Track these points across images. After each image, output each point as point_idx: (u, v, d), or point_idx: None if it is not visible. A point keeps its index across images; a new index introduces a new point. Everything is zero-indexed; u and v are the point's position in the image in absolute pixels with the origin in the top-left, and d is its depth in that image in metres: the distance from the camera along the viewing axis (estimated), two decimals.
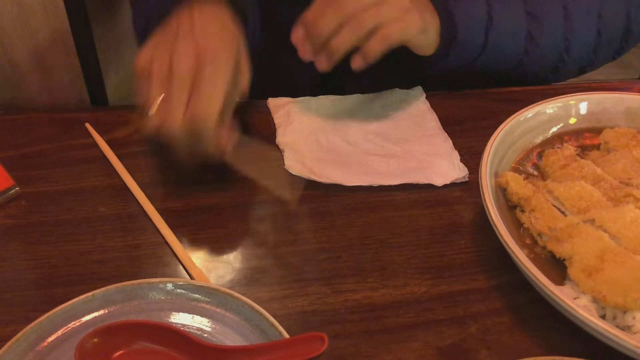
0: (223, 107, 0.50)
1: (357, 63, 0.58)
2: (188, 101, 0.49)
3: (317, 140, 0.62)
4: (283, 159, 0.60)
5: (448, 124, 0.65)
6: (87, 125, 0.62)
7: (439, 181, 0.58)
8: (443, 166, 0.59)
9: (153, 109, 0.49)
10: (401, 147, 0.62)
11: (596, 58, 0.73)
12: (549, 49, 0.68)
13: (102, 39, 0.73)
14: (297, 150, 0.60)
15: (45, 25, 0.65)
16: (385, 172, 0.59)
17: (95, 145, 0.63)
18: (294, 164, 0.58)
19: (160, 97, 0.49)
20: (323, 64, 0.58)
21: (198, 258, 0.51)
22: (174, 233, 0.53)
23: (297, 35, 0.59)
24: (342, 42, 0.56)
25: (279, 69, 0.83)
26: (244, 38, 0.56)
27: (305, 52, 0.59)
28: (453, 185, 0.58)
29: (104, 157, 0.62)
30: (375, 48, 0.57)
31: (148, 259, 0.50)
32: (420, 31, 0.59)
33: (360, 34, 0.56)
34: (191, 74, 0.49)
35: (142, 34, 0.57)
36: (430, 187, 0.58)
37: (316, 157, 0.60)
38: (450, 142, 0.62)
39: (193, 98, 0.49)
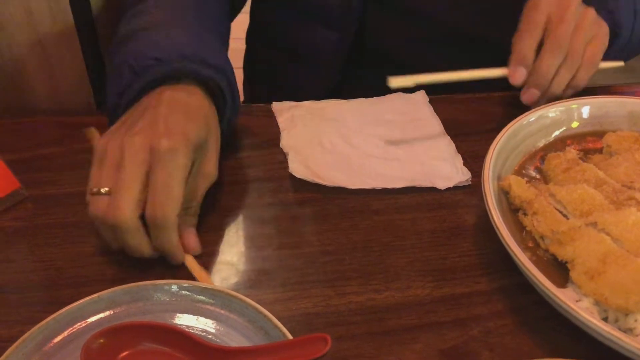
0: (182, 203, 0.47)
1: (568, 95, 0.61)
2: (139, 196, 0.46)
3: (320, 143, 0.63)
4: (287, 162, 0.60)
5: (451, 128, 0.65)
6: (93, 129, 0.62)
7: (442, 184, 0.58)
8: (446, 170, 0.60)
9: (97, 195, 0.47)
10: (404, 150, 0.62)
11: None
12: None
13: (109, 43, 0.74)
14: (301, 154, 0.61)
15: (52, 31, 0.66)
16: (389, 175, 0.59)
17: None
18: (298, 167, 0.59)
19: (107, 189, 0.47)
20: (537, 103, 0.61)
21: (202, 260, 0.51)
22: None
23: (520, 77, 0.61)
24: (563, 81, 0.60)
25: (286, 80, 0.84)
26: (217, 117, 0.55)
27: (530, 97, 0.61)
28: (456, 188, 0.59)
29: None
30: (585, 77, 0.60)
31: (153, 261, 0.51)
32: (608, 39, 0.62)
33: (577, 65, 0.59)
34: (143, 170, 0.47)
35: (112, 110, 0.55)
36: (433, 190, 0.58)
37: (320, 160, 0.60)
38: (453, 146, 0.63)
39: (149, 199, 0.46)
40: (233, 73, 0.57)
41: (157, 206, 0.46)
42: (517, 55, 0.60)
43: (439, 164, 0.60)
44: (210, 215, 0.56)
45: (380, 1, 0.77)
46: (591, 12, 0.60)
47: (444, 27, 0.74)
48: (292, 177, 0.59)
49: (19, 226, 0.54)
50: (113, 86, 0.54)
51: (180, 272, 0.50)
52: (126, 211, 0.46)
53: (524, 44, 0.59)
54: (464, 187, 0.59)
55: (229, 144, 0.64)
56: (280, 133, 0.64)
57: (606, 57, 0.64)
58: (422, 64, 0.61)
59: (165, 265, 0.50)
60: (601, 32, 0.61)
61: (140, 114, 0.51)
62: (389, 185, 0.58)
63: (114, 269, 0.50)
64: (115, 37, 0.59)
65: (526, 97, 0.61)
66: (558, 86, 0.60)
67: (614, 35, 0.64)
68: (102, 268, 0.50)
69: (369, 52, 0.80)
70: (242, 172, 0.61)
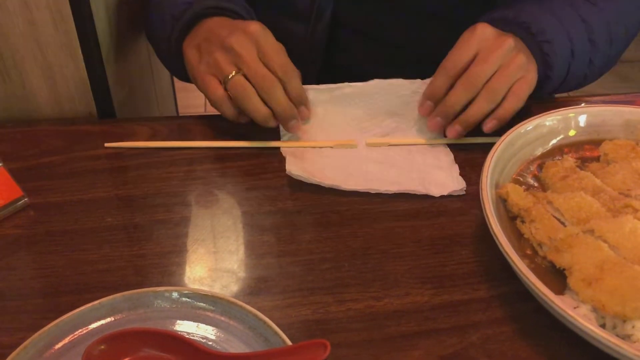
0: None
1: (491, 126, 0.61)
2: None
3: (316, 158, 0.63)
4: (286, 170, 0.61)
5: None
6: (107, 144, 0.65)
7: (436, 192, 0.58)
8: (441, 178, 0.60)
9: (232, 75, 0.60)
10: (403, 156, 0.63)
11: (613, 66, 0.76)
12: (599, 68, 0.71)
13: (110, 54, 0.74)
14: (299, 157, 0.61)
15: (54, 40, 0.67)
16: (385, 179, 0.60)
17: (102, 157, 0.64)
18: (295, 168, 0.59)
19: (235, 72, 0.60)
20: (456, 133, 0.62)
21: (203, 267, 0.52)
22: (178, 244, 0.54)
23: (426, 110, 0.63)
24: (480, 112, 0.60)
25: None
26: None
27: (435, 125, 0.63)
28: (454, 196, 0.59)
29: (110, 169, 0.63)
30: (510, 110, 0.60)
31: (153, 268, 0.51)
32: (534, 84, 0.62)
33: (497, 101, 0.60)
34: (255, 50, 0.60)
35: (166, 54, 0.69)
36: (432, 198, 0.59)
37: (318, 161, 0.61)
38: (451, 156, 0.63)
39: (269, 62, 0.60)
40: (246, 5, 0.69)
41: (278, 64, 0.60)
42: (429, 91, 0.63)
43: (435, 172, 0.61)
44: (210, 224, 0.56)
45: (346, 27, 0.79)
46: (520, 58, 0.60)
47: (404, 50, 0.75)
48: (292, 185, 0.60)
49: (20, 233, 0.55)
50: (160, 34, 0.68)
51: (181, 279, 0.51)
52: (268, 75, 0.59)
53: (438, 82, 0.62)
54: (462, 195, 0.59)
55: (226, 154, 0.64)
56: (280, 137, 0.65)
57: (539, 97, 0.66)
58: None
59: (165, 273, 0.51)
60: (529, 76, 0.61)
61: (208, 41, 0.63)
62: (383, 189, 0.58)
63: (115, 276, 0.50)
64: (148, 9, 0.72)
65: (431, 124, 0.64)
66: (476, 117, 0.61)
67: (545, 78, 0.64)
68: (103, 275, 0.50)
69: (337, 68, 0.82)
70: (241, 180, 0.61)
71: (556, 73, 0.65)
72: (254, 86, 0.60)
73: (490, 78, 0.59)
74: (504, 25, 0.65)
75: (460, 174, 0.61)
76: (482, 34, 0.61)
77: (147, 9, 0.74)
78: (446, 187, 0.59)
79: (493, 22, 0.66)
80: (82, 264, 0.51)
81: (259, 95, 0.60)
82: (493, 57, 0.59)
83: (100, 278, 0.50)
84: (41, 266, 0.51)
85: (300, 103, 0.63)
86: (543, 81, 0.65)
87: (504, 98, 0.60)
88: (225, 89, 0.61)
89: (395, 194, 0.59)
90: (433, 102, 0.63)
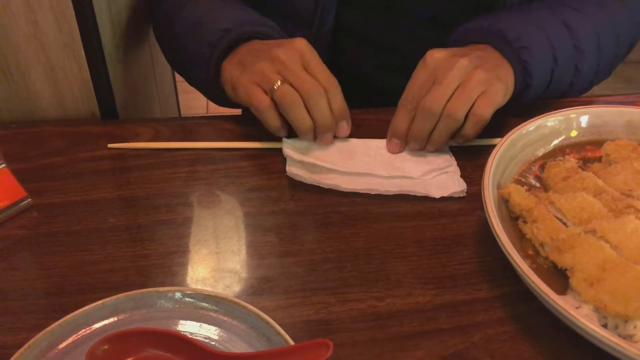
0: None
1: (459, 144, 0.63)
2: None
3: (320, 148, 0.63)
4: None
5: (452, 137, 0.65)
6: (110, 145, 0.65)
7: (436, 193, 0.59)
8: (443, 180, 0.60)
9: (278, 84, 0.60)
10: (405, 158, 0.63)
11: (610, 73, 0.76)
12: (587, 76, 0.70)
13: (113, 55, 0.74)
14: (300, 158, 0.62)
15: (57, 41, 0.67)
16: (385, 181, 0.60)
17: (105, 158, 0.64)
18: (296, 170, 0.60)
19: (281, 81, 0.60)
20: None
21: (206, 268, 0.52)
22: (180, 244, 0.54)
23: (394, 147, 0.64)
24: (442, 138, 0.61)
25: None
26: None
27: (393, 147, 0.64)
28: (457, 196, 0.59)
29: (113, 170, 0.63)
30: (473, 131, 0.60)
31: (156, 269, 0.51)
32: (504, 94, 0.61)
33: (458, 123, 0.59)
34: (300, 63, 0.61)
35: (204, 83, 0.69)
36: (434, 199, 0.59)
37: (318, 164, 0.61)
38: (454, 160, 0.63)
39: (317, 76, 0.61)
40: (279, 29, 0.70)
41: (323, 76, 0.61)
42: (392, 128, 0.63)
43: (436, 175, 0.61)
44: (212, 224, 0.56)
45: (349, 33, 0.79)
46: (478, 74, 0.59)
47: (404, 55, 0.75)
48: (294, 186, 0.60)
49: (24, 234, 0.55)
50: (199, 64, 0.67)
51: (184, 279, 0.51)
52: (314, 84, 0.60)
53: (399, 118, 0.62)
54: (464, 196, 0.59)
55: (228, 155, 0.65)
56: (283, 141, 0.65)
57: (518, 104, 0.65)
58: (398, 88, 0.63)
59: (168, 273, 0.51)
60: (491, 89, 0.59)
61: (252, 55, 0.64)
62: (383, 189, 0.59)
63: (118, 277, 0.51)
64: (176, 34, 0.73)
65: (390, 146, 0.64)
66: (439, 142, 0.61)
67: (525, 86, 0.64)
68: (106, 275, 0.51)
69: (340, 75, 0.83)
70: (243, 181, 0.61)
71: (537, 80, 0.64)
72: (300, 95, 0.60)
73: (449, 99, 0.59)
74: (479, 34, 0.65)
75: (462, 175, 0.61)
76: (433, 60, 0.61)
77: (173, 39, 0.74)
78: (447, 189, 0.59)
79: (468, 32, 0.67)
80: (85, 265, 0.52)
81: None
82: (447, 80, 0.59)
83: (103, 278, 0.50)
84: (44, 266, 0.52)
85: (341, 117, 0.63)
86: (523, 89, 0.64)
87: (467, 117, 0.59)
88: (271, 98, 0.61)
89: (396, 194, 0.59)
90: (399, 139, 0.63)
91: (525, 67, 0.63)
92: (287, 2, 0.75)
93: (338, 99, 0.62)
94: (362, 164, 0.62)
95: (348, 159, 0.62)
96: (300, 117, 0.60)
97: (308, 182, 0.60)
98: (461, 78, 0.59)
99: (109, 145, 0.65)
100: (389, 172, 0.61)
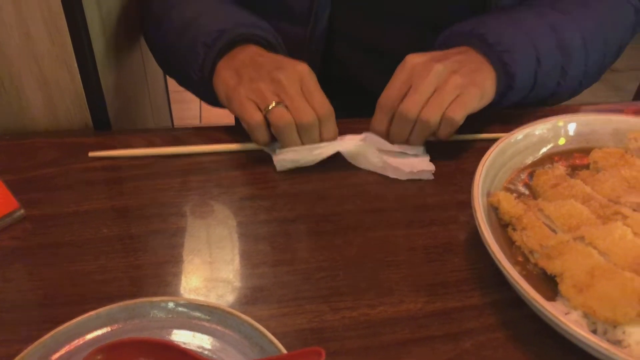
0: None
1: (434, 139, 0.64)
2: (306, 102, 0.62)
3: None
4: (281, 180, 0.61)
5: (441, 145, 0.66)
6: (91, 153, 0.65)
7: (406, 172, 0.63)
8: (414, 162, 0.64)
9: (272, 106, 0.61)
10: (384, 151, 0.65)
11: (599, 76, 0.77)
12: (574, 78, 0.71)
13: (106, 66, 0.75)
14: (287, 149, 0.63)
15: (49, 52, 0.67)
16: (361, 156, 0.64)
17: (98, 169, 0.64)
18: (284, 156, 0.62)
19: (278, 102, 0.61)
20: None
21: (199, 277, 0.52)
22: (173, 254, 0.54)
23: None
24: (418, 139, 0.63)
25: None
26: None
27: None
28: (447, 204, 0.60)
29: (106, 180, 0.63)
30: (445, 133, 0.62)
31: (149, 279, 0.52)
32: (479, 99, 0.62)
33: (431, 129, 0.62)
34: (299, 85, 0.62)
35: (199, 83, 0.68)
36: (425, 207, 0.60)
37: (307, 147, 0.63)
38: (422, 147, 0.65)
39: (316, 103, 0.62)
40: (274, 31, 0.71)
41: (318, 103, 0.62)
42: (372, 130, 0.65)
43: (408, 157, 0.64)
44: (205, 234, 0.57)
45: (343, 37, 0.80)
46: (454, 80, 0.60)
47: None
48: (286, 195, 0.61)
49: (16, 245, 0.55)
50: (192, 65, 0.67)
51: (177, 289, 0.51)
52: (310, 112, 0.61)
53: (377, 121, 0.64)
54: (456, 203, 0.60)
55: (221, 165, 0.65)
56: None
57: (504, 107, 0.67)
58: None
59: (161, 283, 0.51)
60: (465, 93, 0.61)
61: (250, 68, 0.64)
62: (363, 166, 0.64)
63: (111, 287, 0.51)
64: (166, 33, 0.73)
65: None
66: (417, 143, 0.64)
67: (508, 88, 0.65)
68: (99, 286, 0.51)
69: (335, 78, 0.83)
70: (236, 190, 0.62)
71: (520, 82, 0.65)
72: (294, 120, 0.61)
73: (425, 105, 0.61)
74: (462, 38, 0.66)
75: (453, 182, 0.62)
76: (411, 64, 0.62)
77: (163, 40, 0.74)
78: (415, 167, 0.62)
79: (452, 36, 0.68)
80: (78, 275, 0.52)
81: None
82: (423, 86, 0.60)
83: (96, 289, 0.50)
84: (37, 278, 0.52)
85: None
86: (506, 91, 0.65)
87: (440, 120, 0.61)
88: (265, 117, 0.62)
89: (388, 201, 0.60)
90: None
91: (507, 69, 0.64)
92: (282, 1, 0.75)
93: (330, 128, 0.63)
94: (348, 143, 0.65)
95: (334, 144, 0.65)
96: (290, 140, 0.62)
97: (301, 165, 0.63)
98: (437, 83, 0.61)
99: (90, 154, 0.65)
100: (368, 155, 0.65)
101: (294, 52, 0.76)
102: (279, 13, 0.77)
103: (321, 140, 0.63)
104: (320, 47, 0.79)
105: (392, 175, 0.64)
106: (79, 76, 0.69)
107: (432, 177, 0.63)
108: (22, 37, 0.66)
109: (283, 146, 0.63)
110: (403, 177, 0.63)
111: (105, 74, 0.74)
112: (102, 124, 0.73)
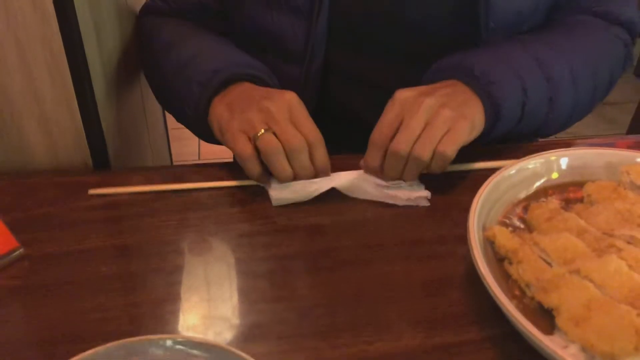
0: None
1: (428, 171, 0.65)
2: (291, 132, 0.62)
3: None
4: (278, 216, 0.62)
5: (436, 179, 0.67)
6: (91, 191, 0.66)
7: (403, 199, 0.64)
8: (408, 190, 0.65)
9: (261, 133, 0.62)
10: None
11: (590, 108, 0.78)
12: (564, 109, 0.72)
13: (106, 106, 0.76)
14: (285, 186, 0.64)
15: (51, 94, 0.69)
16: (357, 188, 0.65)
17: (97, 207, 0.65)
18: (278, 194, 0.63)
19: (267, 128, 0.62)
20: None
21: (197, 315, 0.52)
22: (172, 292, 0.54)
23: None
24: (412, 174, 0.64)
25: None
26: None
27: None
28: (444, 239, 0.60)
29: (106, 219, 0.64)
30: (438, 167, 0.63)
31: (148, 317, 0.52)
32: (469, 132, 0.63)
33: (424, 164, 0.62)
34: (288, 113, 0.63)
35: (193, 121, 0.70)
36: (422, 241, 0.60)
37: (302, 182, 0.64)
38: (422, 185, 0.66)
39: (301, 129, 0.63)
40: (269, 70, 0.73)
41: (308, 130, 0.63)
42: (365, 166, 0.66)
43: (403, 189, 0.65)
44: (204, 271, 0.57)
45: (337, 72, 0.82)
46: (444, 113, 0.61)
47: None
48: (284, 231, 0.61)
49: (15, 285, 0.55)
50: (188, 102, 0.69)
51: (175, 327, 0.51)
52: (298, 136, 0.62)
53: (370, 157, 0.65)
54: (453, 238, 0.60)
55: (219, 202, 0.66)
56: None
57: (490, 139, 0.68)
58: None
59: (160, 321, 0.51)
60: (456, 128, 0.61)
61: (242, 101, 0.65)
62: (361, 196, 0.65)
63: (110, 325, 0.51)
64: (164, 72, 0.76)
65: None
66: (410, 179, 0.64)
67: (496, 119, 0.66)
68: (97, 325, 0.51)
69: (329, 112, 0.85)
70: (234, 227, 0.62)
71: (507, 113, 0.66)
72: (282, 146, 0.62)
73: (416, 141, 0.61)
74: (450, 71, 0.68)
75: (449, 217, 0.63)
76: (401, 99, 0.63)
77: (162, 79, 0.76)
78: (411, 194, 0.64)
79: (440, 70, 0.69)
80: (77, 314, 0.52)
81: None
82: (414, 122, 0.61)
83: (95, 327, 0.51)
84: (36, 317, 0.52)
85: (322, 172, 0.65)
86: (494, 122, 0.66)
87: (432, 154, 0.62)
88: (255, 146, 0.62)
89: (386, 236, 0.60)
90: (373, 174, 0.66)
91: (493, 101, 0.65)
92: (279, 39, 0.77)
93: (321, 154, 0.64)
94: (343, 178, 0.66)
95: (330, 179, 0.66)
96: (280, 166, 0.62)
97: (297, 201, 0.63)
98: (427, 117, 0.62)
99: (90, 192, 0.66)
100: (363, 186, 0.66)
101: (291, 88, 0.78)
102: (276, 51, 0.78)
103: (314, 168, 0.64)
104: (317, 83, 0.80)
105: (389, 201, 0.65)
106: (79, 116, 0.71)
107: (428, 204, 0.64)
108: (24, 78, 0.67)
109: (274, 173, 0.63)
110: (400, 203, 0.64)
111: (105, 114, 0.76)
112: (102, 162, 0.74)
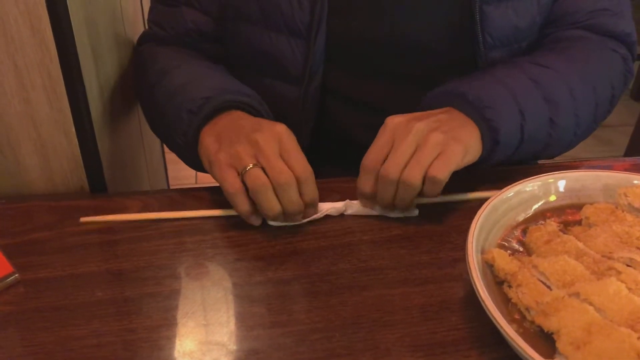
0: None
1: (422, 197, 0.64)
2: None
3: None
4: (275, 239, 0.62)
5: (434, 204, 0.67)
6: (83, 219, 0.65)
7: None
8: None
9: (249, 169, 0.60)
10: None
11: (595, 125, 0.77)
12: (566, 128, 0.72)
13: (103, 130, 0.76)
14: None
15: (48, 118, 0.69)
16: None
17: (93, 231, 0.64)
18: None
19: (256, 164, 0.61)
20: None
21: (193, 340, 0.52)
22: (167, 317, 0.53)
23: (366, 205, 0.67)
24: (404, 201, 0.63)
25: None
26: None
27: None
28: (442, 262, 0.60)
29: (101, 244, 0.63)
30: (431, 192, 0.62)
31: (143, 342, 0.51)
32: (463, 156, 0.62)
33: (416, 189, 0.61)
34: (277, 146, 0.62)
35: (183, 148, 0.69)
36: (421, 265, 0.60)
37: None
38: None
39: (294, 163, 0.61)
40: (260, 98, 0.72)
41: (297, 164, 0.61)
42: (358, 192, 0.65)
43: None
44: (200, 296, 0.56)
45: (335, 93, 0.82)
46: (434, 137, 0.61)
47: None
48: (281, 255, 0.61)
49: (10, 310, 0.54)
50: (177, 130, 0.69)
51: (170, 353, 0.50)
52: (286, 171, 0.60)
53: (362, 183, 0.64)
54: (451, 260, 0.60)
55: (215, 226, 0.65)
56: None
57: (493, 164, 0.67)
58: None
59: (155, 347, 0.50)
60: (447, 151, 0.61)
61: (231, 132, 0.64)
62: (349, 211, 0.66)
63: (105, 351, 0.50)
64: (157, 99, 0.75)
65: (362, 203, 0.67)
66: (403, 205, 0.64)
67: (495, 144, 0.65)
68: (92, 351, 0.50)
69: (327, 132, 0.84)
70: (231, 251, 0.62)
71: (505, 137, 0.65)
72: (270, 181, 0.60)
73: (406, 166, 0.61)
74: (444, 98, 0.68)
75: (447, 240, 0.63)
76: (392, 125, 0.63)
77: (154, 106, 0.76)
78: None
79: (434, 97, 0.70)
80: (71, 340, 0.51)
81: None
82: (403, 146, 0.61)
83: (89, 354, 0.50)
84: (30, 343, 0.51)
85: (310, 206, 0.64)
86: (494, 147, 0.66)
87: (424, 179, 0.61)
88: (243, 181, 0.61)
89: (383, 259, 0.60)
90: (367, 199, 0.66)
91: (490, 124, 0.65)
92: (278, 61, 0.77)
93: (310, 189, 0.62)
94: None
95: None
96: (268, 203, 0.60)
97: (297, 222, 0.64)
98: (417, 142, 0.61)
99: (82, 220, 0.65)
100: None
101: (288, 109, 0.78)
102: (275, 73, 0.79)
103: (303, 202, 0.62)
104: (315, 103, 0.80)
105: (380, 213, 0.66)
106: (76, 140, 0.71)
107: (416, 214, 0.66)
108: (22, 102, 0.67)
109: (261, 211, 0.62)
110: (392, 215, 0.66)
111: (103, 138, 0.76)
112: (99, 187, 0.74)
